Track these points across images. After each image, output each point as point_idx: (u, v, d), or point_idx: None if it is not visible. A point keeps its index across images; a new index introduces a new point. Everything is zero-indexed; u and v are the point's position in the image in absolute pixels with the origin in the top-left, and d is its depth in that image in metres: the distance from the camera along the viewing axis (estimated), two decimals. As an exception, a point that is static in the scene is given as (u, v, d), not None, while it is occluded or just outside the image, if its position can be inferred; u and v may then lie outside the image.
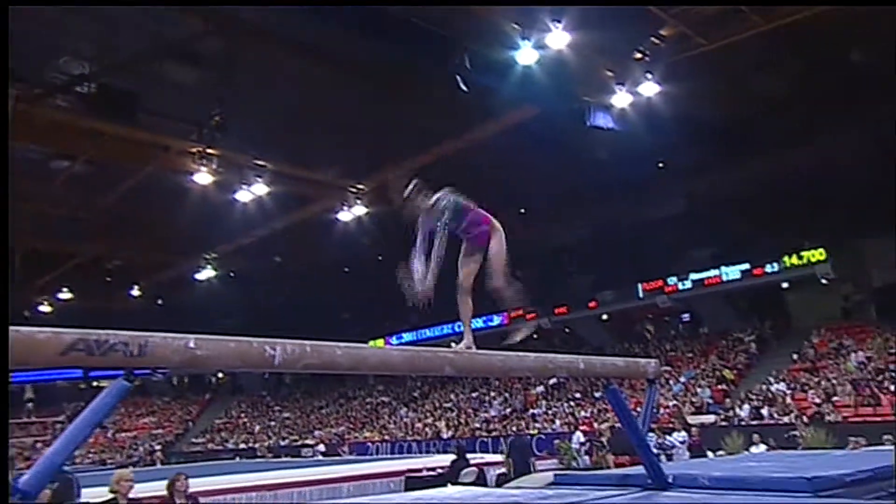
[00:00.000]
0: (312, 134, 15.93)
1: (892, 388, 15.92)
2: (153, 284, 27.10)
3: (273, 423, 33.51)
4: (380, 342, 28.48)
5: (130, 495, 5.73)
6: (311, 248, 23.62)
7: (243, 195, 16.83)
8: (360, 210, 18.68)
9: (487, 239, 4.09)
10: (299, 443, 28.43)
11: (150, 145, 15.19)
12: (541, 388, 24.70)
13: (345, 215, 18.97)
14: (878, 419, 14.91)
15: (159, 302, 29.04)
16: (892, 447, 7.18)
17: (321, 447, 24.56)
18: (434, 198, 4.10)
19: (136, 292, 26.94)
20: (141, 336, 2.37)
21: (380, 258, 26.80)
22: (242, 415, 36.33)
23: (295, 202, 19.39)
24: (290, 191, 18.14)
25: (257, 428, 33.17)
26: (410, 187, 4.13)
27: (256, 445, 29.06)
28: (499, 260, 4.04)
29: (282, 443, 29.51)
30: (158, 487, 6.49)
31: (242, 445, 30.33)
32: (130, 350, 2.33)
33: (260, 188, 16.53)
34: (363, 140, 16.25)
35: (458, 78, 12.23)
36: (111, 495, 5.60)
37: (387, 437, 26.29)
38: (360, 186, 18.38)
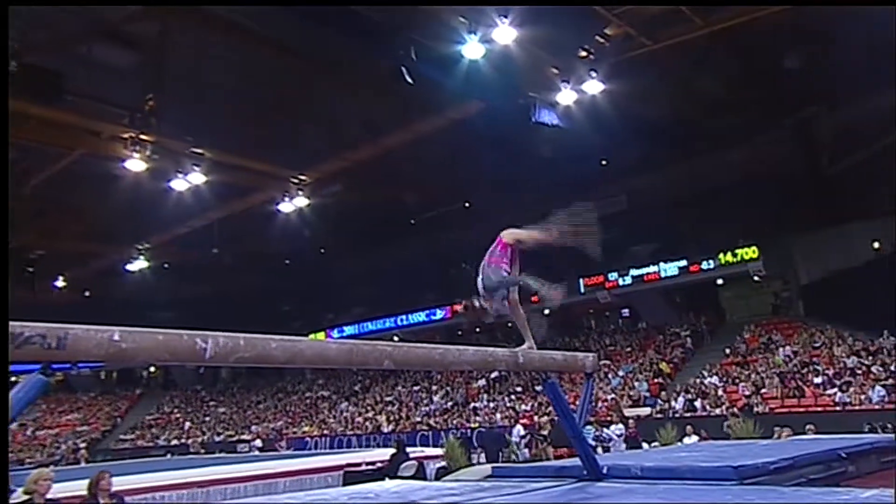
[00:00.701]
0: (253, 122, 15.53)
1: (815, 380, 16.76)
2: (80, 276, 25.91)
3: (208, 419, 32.62)
4: (321, 335, 28.13)
5: (48, 495, 5.43)
6: (250, 239, 23.05)
7: (179, 184, 16.23)
8: (301, 201, 18.31)
9: (511, 251, 4.40)
10: (235, 438, 27.76)
11: (79, 129, 14.47)
12: (483, 382, 24.88)
13: (286, 206, 18.58)
14: (802, 410, 15.76)
15: (86, 294, 27.76)
16: (814, 436, 7.56)
17: (258, 443, 24.08)
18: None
19: (61, 283, 25.69)
20: (60, 328, 2.23)
21: (322, 251, 26.50)
22: (175, 410, 35.23)
23: (234, 192, 18.86)
24: (229, 180, 17.61)
25: (188, 425, 32.20)
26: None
27: (189, 441, 28.25)
28: (531, 237, 4.54)
29: (217, 438, 28.75)
30: (80, 487, 6.18)
31: (175, 442, 29.45)
32: (48, 343, 2.19)
33: (197, 177, 15.97)
34: (306, 130, 15.93)
35: (403, 70, 12.12)
36: (26, 496, 5.29)
37: (326, 432, 25.96)
38: (303, 177, 18.02)
